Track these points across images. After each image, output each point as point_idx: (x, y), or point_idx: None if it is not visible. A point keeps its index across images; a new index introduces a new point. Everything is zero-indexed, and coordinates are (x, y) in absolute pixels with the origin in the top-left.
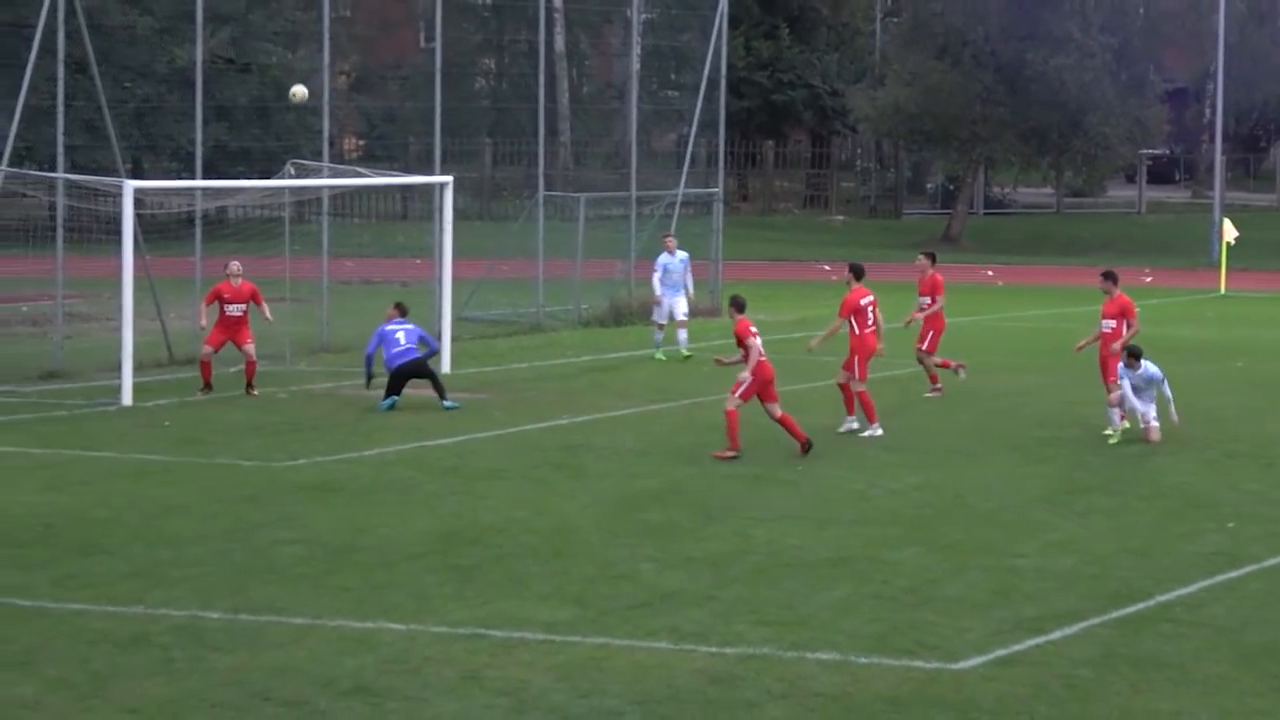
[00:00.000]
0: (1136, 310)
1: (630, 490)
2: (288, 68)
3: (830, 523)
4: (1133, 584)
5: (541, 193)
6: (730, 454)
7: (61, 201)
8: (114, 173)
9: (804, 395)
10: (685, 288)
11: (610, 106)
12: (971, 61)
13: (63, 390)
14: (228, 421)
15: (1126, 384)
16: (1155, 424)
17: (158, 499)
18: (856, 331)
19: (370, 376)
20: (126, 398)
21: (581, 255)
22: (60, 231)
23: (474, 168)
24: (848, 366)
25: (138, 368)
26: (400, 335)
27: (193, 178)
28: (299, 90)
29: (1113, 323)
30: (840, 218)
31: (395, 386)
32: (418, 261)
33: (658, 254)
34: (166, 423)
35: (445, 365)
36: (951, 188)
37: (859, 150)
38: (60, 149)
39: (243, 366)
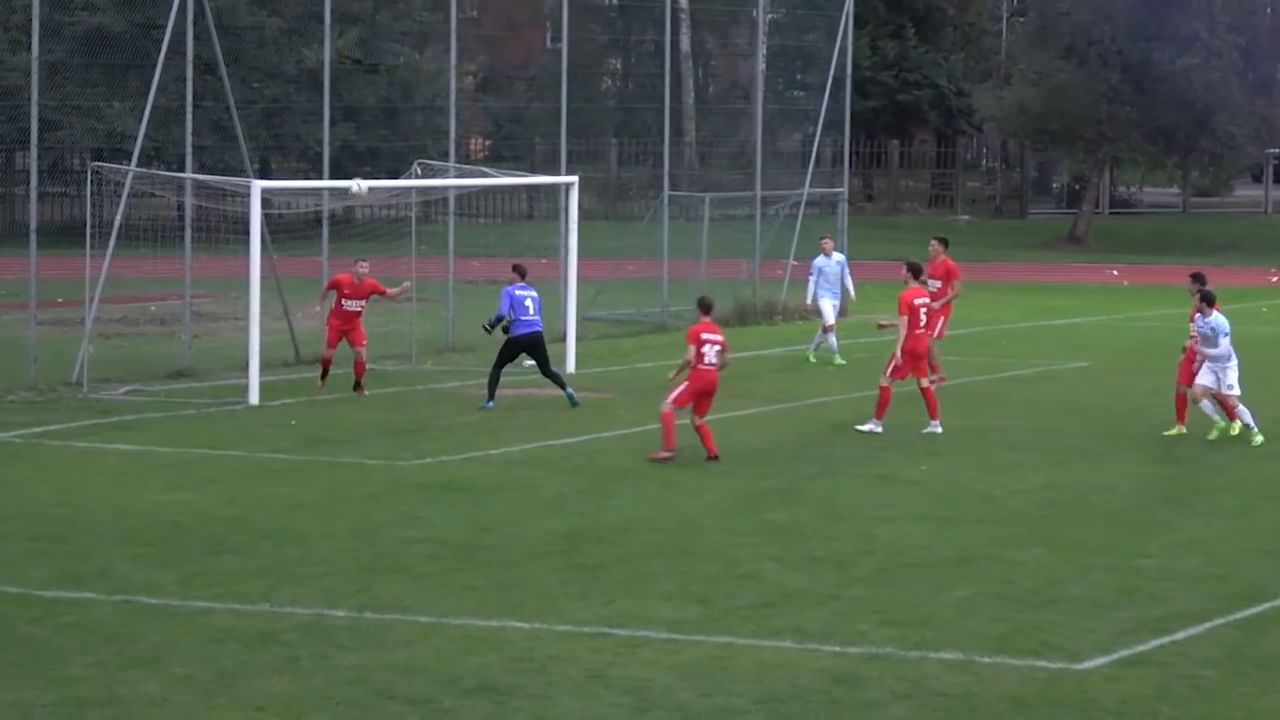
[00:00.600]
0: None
1: (754, 490)
2: (415, 68)
3: (954, 522)
4: (1258, 584)
5: (666, 193)
6: (665, 455)
7: (190, 201)
8: (242, 173)
9: (916, 396)
10: (846, 289)
11: (735, 106)
12: (1098, 61)
13: (190, 389)
14: (353, 421)
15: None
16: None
17: (284, 498)
18: (904, 331)
19: (497, 324)
20: (253, 397)
21: (706, 255)
22: (189, 231)
23: (599, 168)
24: (899, 363)
25: (265, 367)
26: (529, 304)
27: (320, 178)
28: (360, 186)
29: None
30: (966, 217)
31: (509, 356)
32: (543, 261)
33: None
34: (293, 422)
35: (570, 365)
36: (1077, 187)
37: (984, 150)
38: (189, 149)
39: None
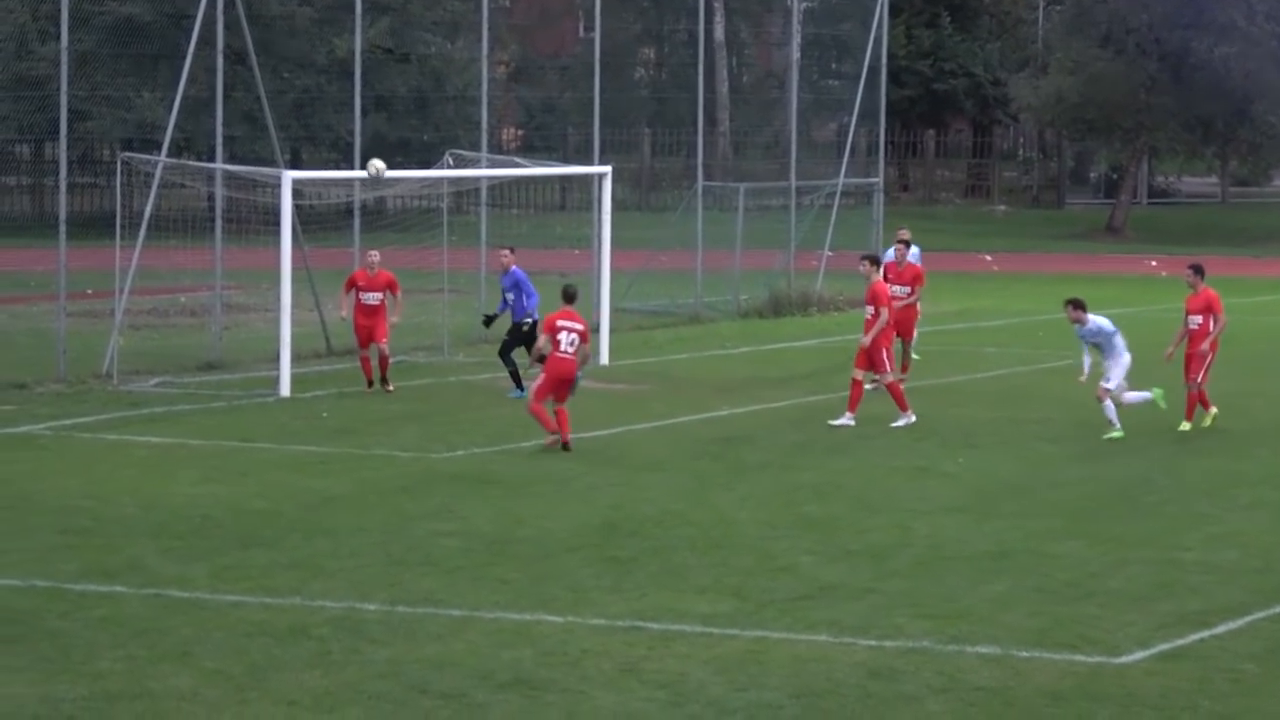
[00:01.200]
0: (1222, 304)
1: (789, 482)
2: (447, 58)
3: (991, 515)
4: None
5: (700, 183)
6: (551, 440)
7: (220, 192)
8: (272, 163)
9: (964, 387)
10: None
11: (770, 96)
12: (1135, 50)
13: (221, 381)
14: (385, 413)
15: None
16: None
17: (315, 490)
18: (887, 319)
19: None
20: (284, 389)
21: (740, 246)
22: (219, 222)
23: (633, 158)
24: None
25: (296, 359)
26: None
27: (351, 168)
28: (377, 165)
29: (1199, 319)
30: (1002, 207)
31: (519, 340)
32: (576, 252)
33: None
34: (324, 414)
35: (603, 357)
36: (1115, 177)
37: (1021, 139)
38: (219, 140)
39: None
